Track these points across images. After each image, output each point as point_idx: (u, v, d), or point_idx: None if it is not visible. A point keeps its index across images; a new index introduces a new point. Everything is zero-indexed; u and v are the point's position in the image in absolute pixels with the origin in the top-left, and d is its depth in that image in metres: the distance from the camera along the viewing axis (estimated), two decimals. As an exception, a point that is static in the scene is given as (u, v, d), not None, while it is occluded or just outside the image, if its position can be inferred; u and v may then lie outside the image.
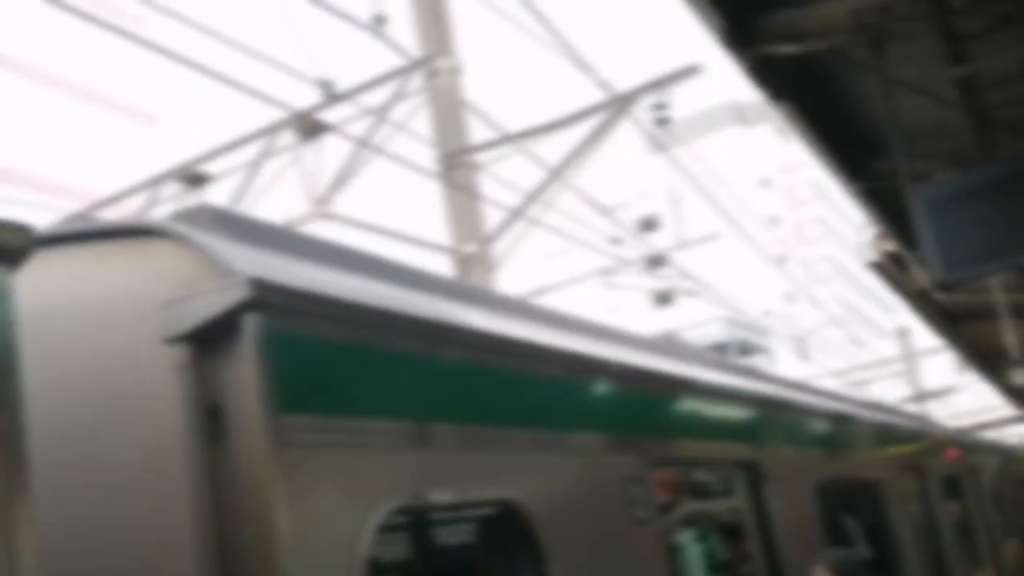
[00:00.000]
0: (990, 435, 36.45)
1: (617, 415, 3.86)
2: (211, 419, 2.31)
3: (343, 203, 10.54)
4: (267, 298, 2.35)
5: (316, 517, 2.29)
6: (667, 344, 5.67)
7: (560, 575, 3.14)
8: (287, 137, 10.75)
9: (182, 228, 2.59)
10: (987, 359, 26.09)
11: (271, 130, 10.88)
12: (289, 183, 11.24)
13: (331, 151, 11.23)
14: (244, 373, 2.28)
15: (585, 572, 3.31)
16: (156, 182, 11.76)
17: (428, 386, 2.83)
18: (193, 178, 11.37)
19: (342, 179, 10.47)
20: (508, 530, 3.15)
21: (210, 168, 11.57)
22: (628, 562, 3.60)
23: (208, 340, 2.33)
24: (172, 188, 11.63)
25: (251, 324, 2.31)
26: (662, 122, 10.71)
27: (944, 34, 5.64)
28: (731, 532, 6.34)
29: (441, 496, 2.73)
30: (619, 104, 10.71)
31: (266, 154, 11.00)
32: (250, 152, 11.19)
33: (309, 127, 10.24)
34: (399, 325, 2.75)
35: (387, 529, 2.63)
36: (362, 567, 2.38)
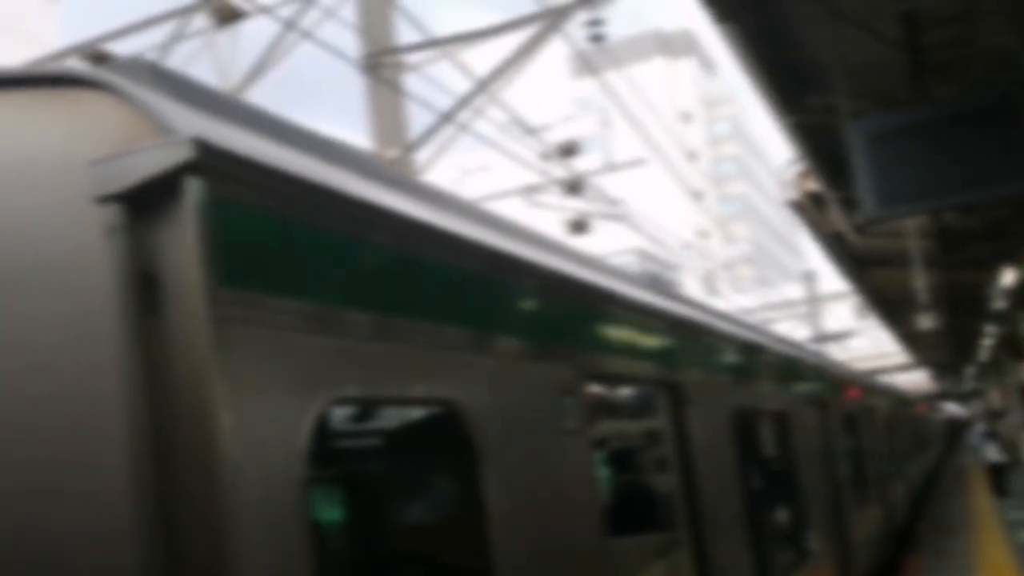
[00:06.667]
0: (883, 379, 37.97)
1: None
2: (145, 287, 2.05)
3: (258, 96, 10.01)
4: (213, 162, 2.07)
5: (254, 399, 2.12)
6: (610, 266, 5.59)
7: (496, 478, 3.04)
8: (201, 21, 10.08)
9: (117, 79, 2.27)
10: (890, 305, 26.89)
11: (184, 12, 10.19)
12: (201, 70, 10.60)
13: (248, 40, 10.59)
14: (183, 241, 2.03)
15: (519, 475, 3.22)
16: (56, 59, 10.97)
17: (380, 276, 2.64)
18: (96, 57, 10.62)
19: (259, 69, 9.90)
20: (446, 430, 3.00)
21: (116, 49, 10.83)
22: (559, 469, 3.55)
23: (144, 202, 2.06)
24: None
25: (194, 189, 2.04)
26: (596, 39, 10.38)
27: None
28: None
29: (383, 390, 2.55)
30: (553, 17, 10.32)
31: (177, 37, 10.32)
32: (160, 34, 10.49)
33: (226, 11, 9.60)
34: (358, 210, 2.55)
35: (325, 421, 2.47)
36: (301, 459, 2.21)
